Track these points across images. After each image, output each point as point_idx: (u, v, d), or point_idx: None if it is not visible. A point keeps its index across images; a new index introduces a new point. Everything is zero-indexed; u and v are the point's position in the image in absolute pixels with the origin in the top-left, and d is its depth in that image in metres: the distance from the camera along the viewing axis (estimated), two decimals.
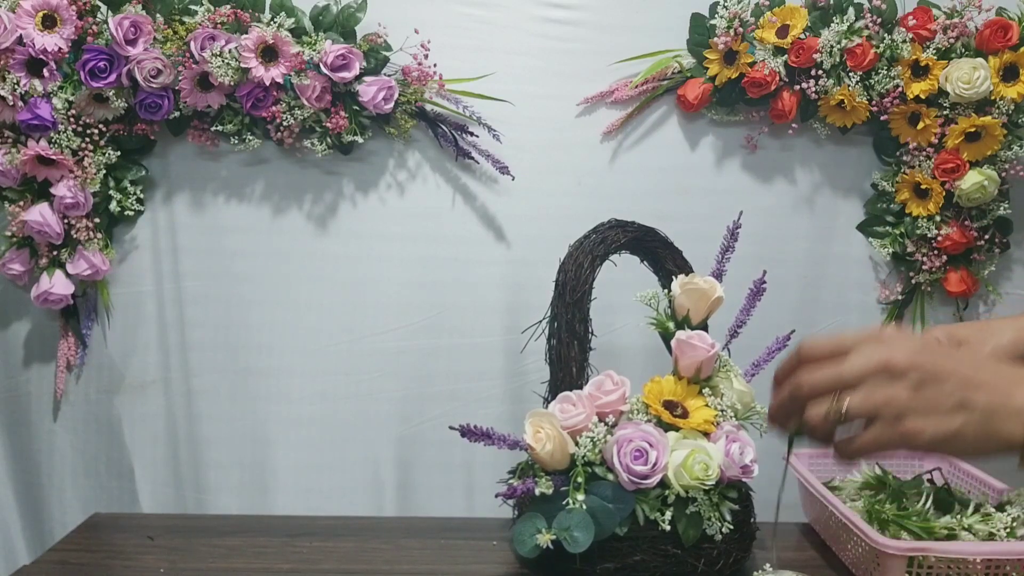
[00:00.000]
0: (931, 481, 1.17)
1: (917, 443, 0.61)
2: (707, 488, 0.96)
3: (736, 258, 1.14)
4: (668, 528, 0.95)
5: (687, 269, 1.13)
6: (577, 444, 0.98)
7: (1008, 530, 1.00)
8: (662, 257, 1.13)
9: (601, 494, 0.95)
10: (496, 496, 1.00)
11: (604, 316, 1.11)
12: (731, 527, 0.97)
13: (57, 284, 1.36)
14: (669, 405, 1.00)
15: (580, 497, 0.95)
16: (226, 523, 1.22)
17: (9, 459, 1.47)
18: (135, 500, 1.47)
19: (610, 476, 0.97)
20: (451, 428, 0.98)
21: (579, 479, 0.96)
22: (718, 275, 1.12)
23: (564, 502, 0.95)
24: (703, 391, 1.04)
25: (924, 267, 1.40)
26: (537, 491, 0.96)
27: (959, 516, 1.03)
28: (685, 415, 1.00)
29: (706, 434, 1.00)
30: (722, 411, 1.02)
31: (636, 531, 0.96)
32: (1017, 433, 0.59)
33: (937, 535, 0.99)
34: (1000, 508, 1.04)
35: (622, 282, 1.13)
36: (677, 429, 0.99)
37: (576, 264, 1.05)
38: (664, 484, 0.96)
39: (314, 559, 1.08)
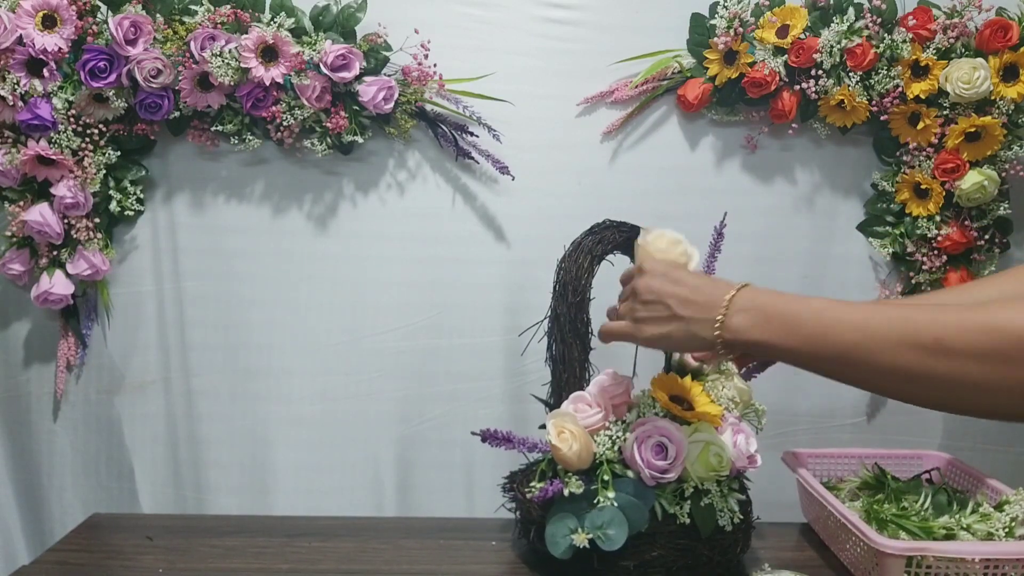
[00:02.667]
0: (930, 481, 1.17)
1: (643, 338, 0.88)
2: (720, 479, 0.97)
3: (736, 258, 1.14)
4: (688, 521, 0.96)
5: None
6: (596, 443, 0.98)
7: (1006, 530, 1.00)
8: None
9: (625, 491, 0.96)
10: (531, 499, 1.00)
11: (599, 315, 1.11)
12: (740, 517, 0.98)
13: (57, 284, 1.36)
14: (676, 400, 1.01)
15: (611, 495, 0.95)
16: (226, 523, 1.22)
17: (9, 459, 1.47)
18: (135, 500, 1.48)
19: (629, 473, 0.97)
20: (473, 433, 0.99)
21: (606, 477, 0.96)
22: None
23: (595, 500, 0.95)
24: (706, 386, 1.05)
25: (924, 267, 1.40)
26: (566, 492, 0.96)
27: (958, 516, 1.03)
28: (691, 410, 1.01)
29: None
30: (725, 406, 1.03)
31: (654, 527, 0.97)
32: (709, 336, 0.82)
33: (936, 535, 1.00)
34: (999, 508, 1.04)
35: (615, 281, 1.13)
36: (685, 423, 0.99)
37: (576, 264, 1.05)
38: (680, 478, 0.97)
39: (314, 559, 1.08)
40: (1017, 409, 0.68)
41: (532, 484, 0.99)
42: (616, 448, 0.98)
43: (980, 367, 0.67)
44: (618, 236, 1.08)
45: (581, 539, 0.95)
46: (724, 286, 0.84)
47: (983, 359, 0.67)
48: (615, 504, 0.95)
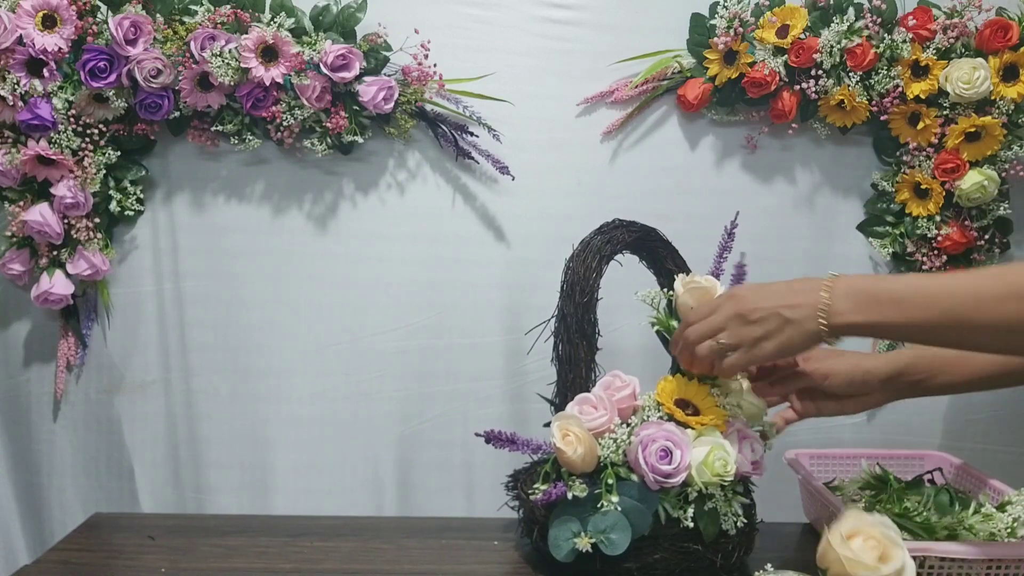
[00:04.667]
0: (931, 482, 1.17)
1: (765, 355, 0.91)
2: (725, 484, 0.96)
3: (736, 258, 1.14)
4: (691, 525, 0.95)
5: (685, 269, 1.13)
6: (600, 446, 0.98)
7: (1009, 530, 1.00)
8: (662, 257, 1.13)
9: (627, 495, 0.95)
10: (522, 503, 1.00)
11: (602, 316, 1.11)
12: (744, 521, 0.98)
13: (57, 284, 1.36)
14: (681, 404, 1.00)
15: (614, 499, 0.94)
16: (227, 523, 1.22)
17: (9, 459, 1.47)
18: (135, 500, 1.47)
19: (633, 476, 0.97)
20: (476, 435, 0.98)
21: (610, 481, 0.96)
22: (716, 275, 1.12)
23: (599, 504, 0.95)
24: (712, 391, 1.04)
25: (924, 267, 1.40)
26: (570, 495, 0.95)
27: (960, 516, 1.03)
28: (696, 414, 1.00)
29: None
30: (731, 411, 1.02)
31: (657, 529, 0.96)
32: (816, 328, 0.86)
33: (938, 535, 0.99)
34: (1001, 508, 1.04)
35: (619, 282, 1.13)
36: (690, 427, 0.99)
37: (584, 265, 1.05)
38: (685, 481, 0.96)
39: (315, 559, 1.08)
40: None
41: (536, 486, 0.99)
42: (620, 451, 0.98)
43: None
44: (627, 236, 1.08)
45: (584, 543, 0.95)
46: (814, 280, 0.89)
47: None
48: (618, 508, 0.94)
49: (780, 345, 0.89)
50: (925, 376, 1.05)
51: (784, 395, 1.10)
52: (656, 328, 1.10)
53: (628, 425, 1.00)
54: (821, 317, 0.86)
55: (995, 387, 1.08)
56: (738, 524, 0.97)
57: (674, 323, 1.08)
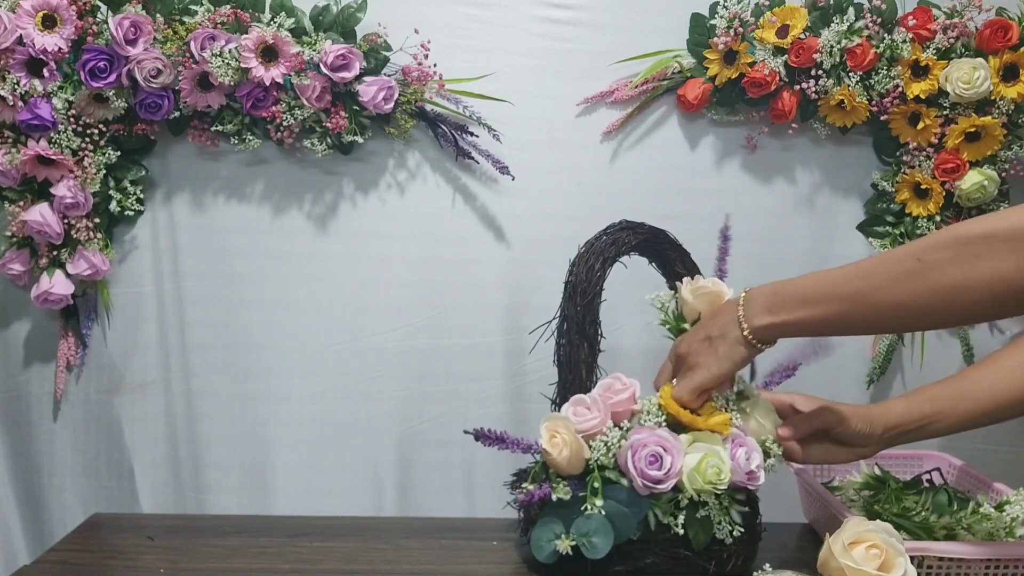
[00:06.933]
0: (930, 481, 1.17)
1: (713, 375, 0.95)
2: (719, 492, 0.95)
3: (736, 258, 1.13)
4: (681, 532, 0.94)
5: (695, 271, 1.11)
6: (590, 448, 0.97)
7: (1007, 530, 1.00)
8: (671, 259, 1.11)
9: (616, 499, 0.95)
10: (516, 502, 1.00)
11: (604, 315, 1.11)
12: (741, 529, 0.96)
13: (57, 284, 1.36)
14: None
15: (598, 503, 0.94)
16: (226, 523, 1.22)
17: (9, 459, 1.47)
18: (135, 500, 1.48)
19: (623, 481, 0.96)
20: (465, 432, 0.97)
21: (596, 484, 0.95)
22: (719, 278, 1.11)
23: (583, 507, 0.94)
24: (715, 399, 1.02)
25: None
26: (554, 497, 0.95)
27: (958, 516, 1.03)
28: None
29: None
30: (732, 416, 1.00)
31: (648, 534, 0.95)
32: (741, 333, 0.92)
33: (936, 535, 0.99)
34: (999, 508, 1.04)
35: (621, 283, 1.13)
36: (688, 430, 0.98)
37: (587, 266, 1.03)
38: (676, 487, 0.95)
39: (315, 559, 1.08)
40: (990, 298, 0.77)
41: (523, 486, 0.98)
42: (611, 455, 0.97)
43: (957, 269, 0.78)
44: (633, 238, 1.06)
45: (565, 545, 0.93)
46: (730, 301, 0.97)
47: (957, 261, 0.78)
48: (602, 512, 0.94)
49: (718, 360, 0.94)
50: (917, 426, 1.03)
51: (798, 435, 1.08)
52: (668, 327, 1.09)
53: (621, 428, 0.98)
54: (742, 323, 0.92)
55: (984, 424, 1.05)
56: (734, 533, 0.95)
57: (685, 326, 1.06)
